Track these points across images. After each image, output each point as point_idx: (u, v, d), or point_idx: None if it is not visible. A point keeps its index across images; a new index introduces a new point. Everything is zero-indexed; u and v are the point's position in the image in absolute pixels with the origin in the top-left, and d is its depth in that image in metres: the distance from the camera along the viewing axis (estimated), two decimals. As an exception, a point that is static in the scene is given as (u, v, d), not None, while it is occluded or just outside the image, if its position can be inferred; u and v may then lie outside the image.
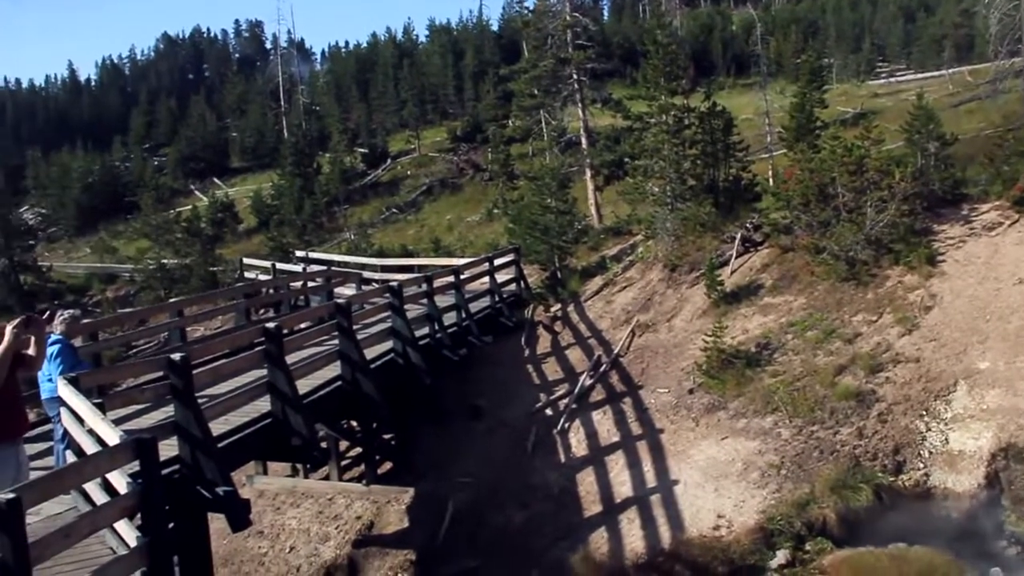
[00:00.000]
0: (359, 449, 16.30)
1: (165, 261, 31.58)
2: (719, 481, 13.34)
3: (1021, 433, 13.01)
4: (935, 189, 18.81)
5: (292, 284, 21.24)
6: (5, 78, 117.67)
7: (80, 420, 7.91)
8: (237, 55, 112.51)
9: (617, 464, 14.52)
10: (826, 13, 61.73)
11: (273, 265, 24.03)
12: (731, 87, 50.09)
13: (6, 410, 6.37)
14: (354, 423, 15.78)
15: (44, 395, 9.40)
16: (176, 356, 9.08)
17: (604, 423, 15.76)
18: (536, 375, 18.01)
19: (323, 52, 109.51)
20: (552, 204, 22.11)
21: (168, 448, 8.70)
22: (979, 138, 24.50)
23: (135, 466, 6.98)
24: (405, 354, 15.10)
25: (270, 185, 43.55)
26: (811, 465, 13.25)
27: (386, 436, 16.35)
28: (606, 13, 72.45)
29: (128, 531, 6.81)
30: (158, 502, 7.00)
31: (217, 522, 9.37)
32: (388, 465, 16.09)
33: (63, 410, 8.48)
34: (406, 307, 15.50)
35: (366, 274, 23.16)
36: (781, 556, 11.90)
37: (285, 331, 11.71)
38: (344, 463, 16.32)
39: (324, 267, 23.78)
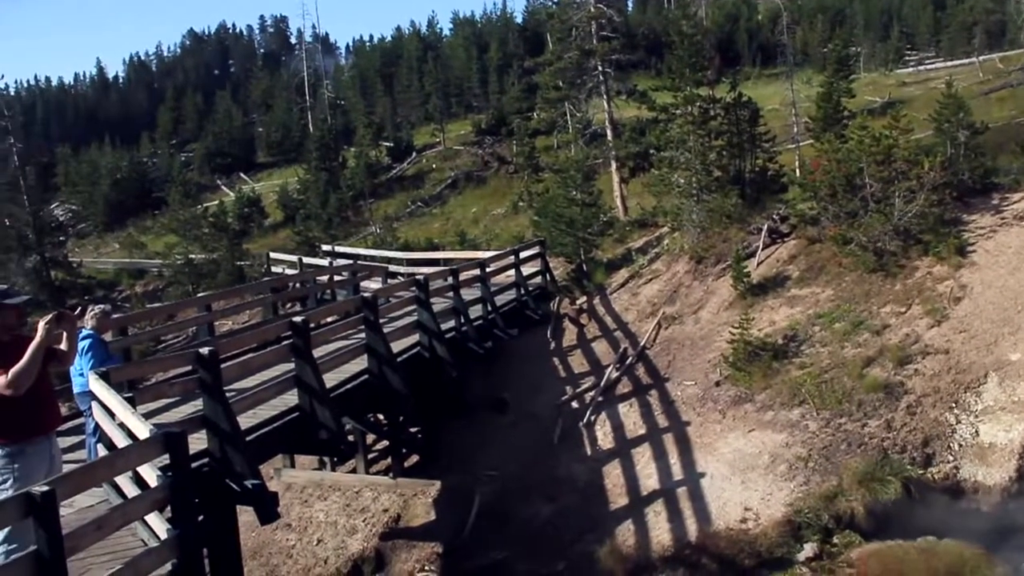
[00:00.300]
0: (386, 442, 16.38)
1: (193, 256, 31.77)
2: (746, 474, 13.29)
3: (1053, 425, 12.86)
4: (965, 178, 18.57)
5: (319, 278, 21.33)
6: (35, 76, 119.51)
7: (111, 414, 8.00)
8: (262, 50, 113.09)
9: (643, 457, 14.49)
10: (853, 1, 60.96)
11: (300, 259, 24.15)
12: (757, 77, 49.65)
13: (39, 404, 6.45)
14: (381, 416, 15.88)
15: (76, 389, 9.52)
16: (204, 350, 9.15)
17: (630, 416, 15.73)
18: (562, 368, 18.00)
19: (347, 46, 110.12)
20: (577, 196, 22.06)
21: (197, 441, 8.79)
22: (1010, 126, 24.21)
23: (165, 459, 7.05)
24: (431, 347, 15.14)
25: (296, 180, 43.72)
26: (839, 458, 13.15)
27: (413, 429, 16.41)
28: (630, 4, 71.92)
29: (159, 523, 6.89)
30: (188, 495, 7.07)
31: (246, 515, 9.45)
32: (415, 458, 16.17)
33: (94, 404, 8.58)
34: (432, 300, 15.52)
35: (392, 268, 23.21)
36: (809, 549, 11.83)
37: (312, 325, 11.78)
38: (371, 456, 16.40)
39: (350, 261, 23.90)
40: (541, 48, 47.56)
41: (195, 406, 9.94)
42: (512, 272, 20.06)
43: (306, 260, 24.21)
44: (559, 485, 14.46)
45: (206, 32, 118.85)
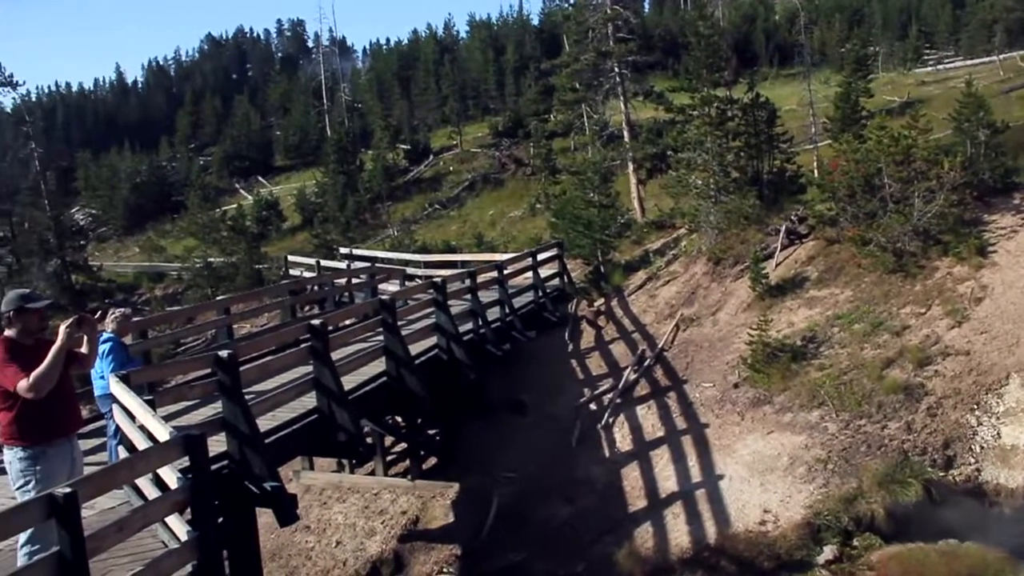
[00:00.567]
0: (404, 444, 16.39)
1: (211, 259, 31.92)
2: (765, 476, 13.24)
3: (1077, 427, 12.75)
4: (985, 178, 18.44)
5: (337, 281, 21.40)
6: (56, 82, 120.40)
7: (131, 416, 8.05)
8: (280, 54, 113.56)
9: (662, 459, 14.46)
10: (871, 0, 60.68)
11: (318, 262, 24.26)
12: (774, 78, 49.57)
13: (61, 407, 6.50)
14: (399, 418, 15.91)
15: (97, 392, 9.58)
16: (224, 353, 9.19)
17: (649, 417, 15.71)
18: (580, 370, 17.98)
19: (364, 49, 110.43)
20: (595, 198, 22.04)
21: (217, 444, 8.82)
22: (1031, 125, 23.97)
23: (185, 462, 7.09)
24: (449, 350, 15.15)
25: (314, 183, 43.88)
26: (858, 460, 13.08)
27: (431, 431, 16.45)
28: (647, 5, 71.96)
29: (179, 525, 6.92)
30: (207, 497, 7.10)
31: (265, 517, 9.49)
32: (433, 460, 16.19)
33: (115, 407, 8.63)
34: (450, 303, 15.54)
35: (410, 270, 23.27)
36: (828, 552, 11.78)
37: (330, 328, 11.81)
38: (389, 458, 16.42)
39: (368, 264, 23.96)
40: (558, 50, 47.74)
41: (215, 408, 9.97)
42: (530, 274, 20.06)
43: (324, 263, 24.30)
44: (577, 487, 14.45)
45: (224, 36, 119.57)
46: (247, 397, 9.44)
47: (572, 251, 22.24)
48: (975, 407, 13.59)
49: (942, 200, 16.88)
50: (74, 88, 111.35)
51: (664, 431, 15.19)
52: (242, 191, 52.95)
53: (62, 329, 6.27)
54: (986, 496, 12.54)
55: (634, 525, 13.18)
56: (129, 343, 10.70)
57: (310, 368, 11.21)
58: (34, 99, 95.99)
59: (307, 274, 23.65)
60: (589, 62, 30.29)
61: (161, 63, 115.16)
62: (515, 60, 59.26)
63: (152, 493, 7.31)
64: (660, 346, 17.68)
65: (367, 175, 42.09)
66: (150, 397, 8.74)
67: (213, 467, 8.04)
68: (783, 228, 19.56)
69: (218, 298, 18.86)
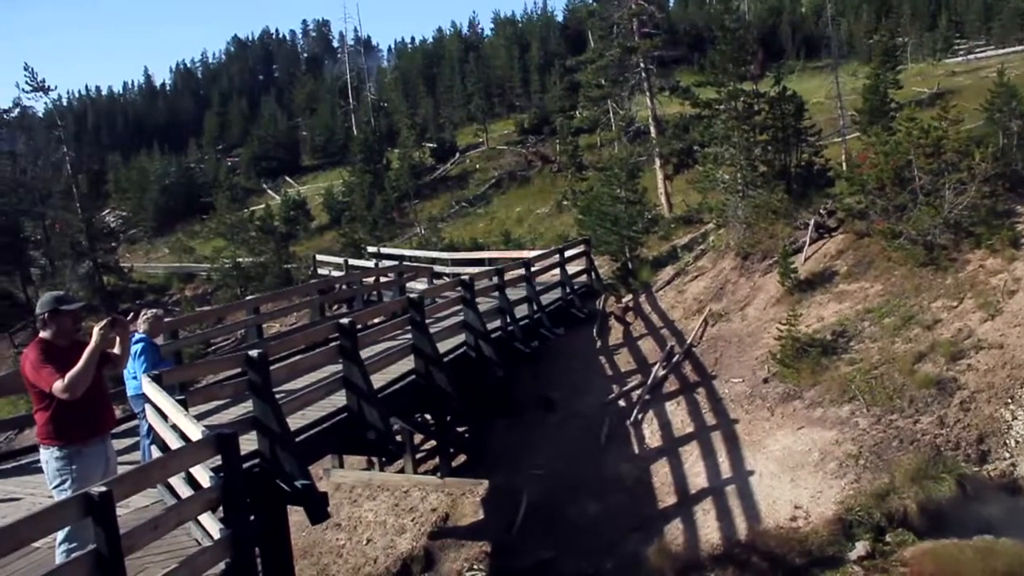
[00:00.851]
0: (433, 442, 16.46)
1: (240, 259, 32.13)
2: (795, 471, 13.15)
3: (1114, 420, 12.56)
4: (1018, 169, 18.21)
5: (365, 280, 21.48)
6: (86, 86, 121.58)
7: (164, 416, 8.12)
8: (305, 55, 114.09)
9: (691, 455, 14.41)
10: (900, -10, 60.07)
11: (346, 261, 24.37)
12: (801, 70, 49.20)
13: (95, 407, 6.57)
14: (428, 416, 15.96)
15: (129, 392, 9.68)
16: (254, 353, 9.27)
17: (678, 414, 15.65)
18: (608, 366, 17.95)
19: (389, 48, 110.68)
20: (622, 194, 21.97)
21: (248, 443, 8.90)
22: (1065, 115, 23.61)
23: (217, 460, 7.15)
24: (478, 347, 15.17)
25: (341, 182, 44.10)
26: (890, 455, 12.94)
27: (460, 429, 16.49)
28: None
29: (212, 523, 6.98)
30: (240, 495, 7.16)
31: (296, 515, 9.56)
32: (462, 458, 16.24)
33: (147, 407, 8.72)
34: (478, 300, 15.57)
35: (437, 268, 23.32)
36: (861, 548, 11.66)
37: (359, 326, 11.86)
38: (419, 456, 16.49)
39: (396, 262, 24.05)
40: (582, 46, 47.68)
41: (245, 407, 10.06)
42: (557, 271, 20.04)
43: (352, 262, 24.41)
44: (607, 484, 14.43)
45: (250, 38, 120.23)
46: (277, 396, 9.51)
47: (599, 247, 22.20)
48: (1009, 401, 13.40)
49: (974, 192, 16.68)
50: (104, 92, 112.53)
51: (693, 427, 15.13)
52: (270, 191, 53.31)
53: (96, 330, 6.33)
54: (1022, 491, 12.35)
55: (664, 522, 13.14)
56: (160, 343, 10.80)
57: (339, 367, 11.27)
58: (65, 103, 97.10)
59: (335, 273, 23.75)
60: (614, 58, 30.21)
61: (188, 65, 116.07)
62: (540, 57, 59.23)
63: (185, 492, 7.38)
64: (689, 342, 17.60)
65: (394, 174, 42.25)
66: (182, 397, 8.81)
67: (245, 466, 8.11)
68: (812, 222, 19.39)
69: (247, 298, 19.01)
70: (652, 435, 15.35)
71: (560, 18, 73.38)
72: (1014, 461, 12.64)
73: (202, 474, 7.11)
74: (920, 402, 13.75)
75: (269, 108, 70.05)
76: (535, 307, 18.21)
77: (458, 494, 15.17)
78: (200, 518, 7.15)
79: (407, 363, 13.30)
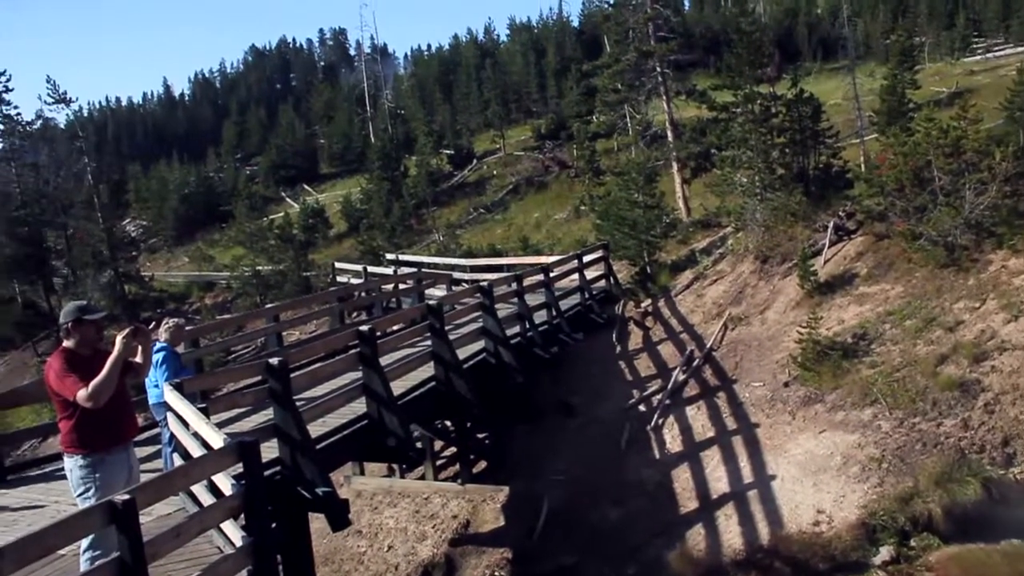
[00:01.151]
0: (454, 448, 16.45)
1: (260, 268, 32.33)
2: (818, 475, 13.05)
3: None
4: (1040, 168, 18.05)
5: (384, 287, 21.54)
6: (106, 97, 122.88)
7: (185, 424, 8.17)
8: (322, 63, 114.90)
9: (712, 459, 14.34)
10: (916, -10, 59.72)
11: (364, 268, 24.42)
12: (818, 72, 49.00)
13: (118, 415, 6.61)
14: (448, 423, 15.97)
15: (151, 400, 9.73)
16: (274, 360, 9.30)
17: (698, 418, 15.59)
18: (628, 371, 17.91)
19: (406, 56, 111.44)
20: (639, 199, 21.95)
21: (269, 450, 8.92)
22: (1086, 114, 23.40)
23: (238, 468, 7.18)
24: (497, 353, 15.17)
25: (359, 189, 44.26)
26: (914, 458, 12.83)
27: (480, 435, 16.50)
28: (687, 3, 71.50)
29: (234, 531, 7.01)
30: (261, 503, 7.18)
31: (317, 522, 9.58)
32: (483, 464, 16.22)
33: (169, 415, 8.76)
34: (497, 306, 15.57)
35: (456, 275, 23.34)
36: (885, 552, 11.54)
37: (378, 333, 11.89)
38: (439, 463, 16.48)
39: (414, 269, 24.07)
40: (598, 51, 47.57)
41: (266, 415, 10.10)
42: (576, 276, 20.04)
43: (371, 269, 24.47)
44: (628, 489, 14.38)
45: (267, 47, 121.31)
46: (297, 403, 9.54)
47: (618, 252, 22.18)
48: (1034, 403, 13.27)
49: (995, 191, 16.54)
50: (123, 102, 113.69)
51: (714, 432, 15.07)
52: (288, 199, 53.57)
53: (119, 339, 6.38)
54: (1050, 494, 12.24)
55: (686, 527, 13.07)
56: (181, 352, 10.87)
57: (359, 374, 11.30)
58: (86, 115, 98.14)
59: (354, 280, 23.83)
60: (630, 62, 30.19)
61: (207, 75, 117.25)
62: (556, 62, 59.24)
63: (207, 499, 7.42)
64: (708, 346, 17.54)
65: (411, 181, 42.38)
66: (203, 405, 8.86)
67: (266, 473, 8.13)
68: (831, 224, 19.29)
69: (267, 306, 19.09)
70: (673, 440, 15.29)
71: (576, 23, 73.35)
72: (1040, 464, 12.52)
73: (224, 482, 7.14)
74: (943, 404, 13.61)
75: (287, 116, 70.37)
76: (554, 312, 18.20)
77: (479, 500, 15.15)
78: (222, 526, 7.19)
79: (427, 370, 13.32)
